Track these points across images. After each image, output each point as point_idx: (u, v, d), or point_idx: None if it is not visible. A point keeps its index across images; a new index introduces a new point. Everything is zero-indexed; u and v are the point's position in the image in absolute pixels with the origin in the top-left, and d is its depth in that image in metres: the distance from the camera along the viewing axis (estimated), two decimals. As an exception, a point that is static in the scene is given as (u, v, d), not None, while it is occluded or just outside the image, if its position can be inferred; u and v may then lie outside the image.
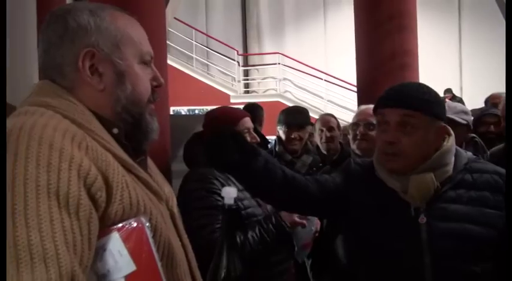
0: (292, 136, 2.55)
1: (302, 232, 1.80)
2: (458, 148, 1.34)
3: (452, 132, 1.31)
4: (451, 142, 1.29)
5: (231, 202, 0.91)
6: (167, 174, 2.14)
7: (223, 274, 0.85)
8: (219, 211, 1.62)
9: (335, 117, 2.96)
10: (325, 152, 2.79)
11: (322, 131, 2.83)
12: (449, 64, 9.47)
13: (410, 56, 3.35)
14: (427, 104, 1.26)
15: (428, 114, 1.25)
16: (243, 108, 3.12)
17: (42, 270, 0.63)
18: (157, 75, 0.90)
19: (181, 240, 0.90)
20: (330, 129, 2.82)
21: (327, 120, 2.87)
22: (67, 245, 0.66)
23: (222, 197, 0.97)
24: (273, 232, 1.68)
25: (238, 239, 1.64)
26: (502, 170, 1.27)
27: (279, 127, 2.66)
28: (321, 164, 2.60)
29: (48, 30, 0.84)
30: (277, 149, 2.63)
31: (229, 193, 0.91)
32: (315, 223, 1.84)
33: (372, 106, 2.17)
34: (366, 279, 1.38)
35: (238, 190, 1.73)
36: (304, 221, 1.76)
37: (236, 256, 0.87)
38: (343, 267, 2.03)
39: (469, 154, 1.34)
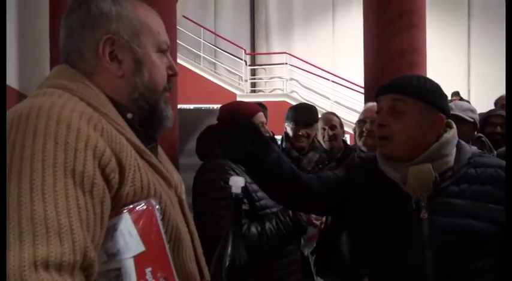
0: (300, 133, 2.55)
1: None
2: (462, 141, 1.33)
3: (454, 125, 1.32)
4: (452, 134, 1.28)
5: (238, 191, 0.90)
6: (175, 167, 2.14)
7: (227, 263, 0.85)
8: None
9: (337, 116, 2.98)
10: (328, 150, 2.81)
11: (324, 129, 2.85)
12: (457, 67, 9.42)
13: (419, 53, 3.34)
14: (420, 90, 1.26)
15: (422, 100, 1.25)
16: None
17: (57, 244, 0.65)
18: (173, 64, 0.92)
19: (188, 226, 0.92)
20: (333, 127, 2.84)
21: (329, 119, 2.90)
22: (81, 222, 0.68)
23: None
24: (290, 224, 1.71)
25: (255, 231, 1.67)
26: None
27: (286, 124, 2.67)
28: (326, 162, 2.61)
29: (71, 16, 0.86)
30: (284, 145, 2.64)
31: (237, 182, 0.91)
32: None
33: None
34: (368, 273, 1.38)
35: (252, 182, 1.76)
36: (318, 223, 1.78)
37: (241, 245, 0.87)
38: (348, 263, 2.04)
39: (474, 148, 1.35)
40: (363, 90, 4.02)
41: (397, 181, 1.27)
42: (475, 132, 2.41)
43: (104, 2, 0.85)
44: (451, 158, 1.27)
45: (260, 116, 1.86)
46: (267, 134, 1.82)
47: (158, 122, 0.90)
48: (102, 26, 0.84)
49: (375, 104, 2.14)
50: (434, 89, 1.28)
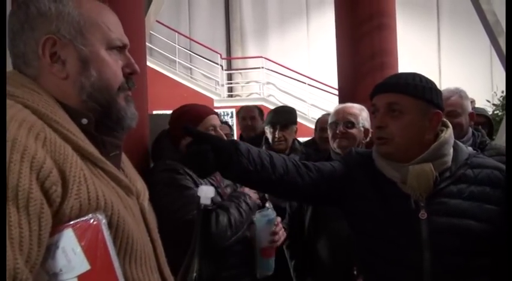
0: (277, 136, 2.64)
1: (260, 229, 1.72)
2: (458, 142, 1.34)
3: (450, 124, 1.31)
4: (449, 134, 1.29)
5: (208, 202, 0.86)
6: (147, 174, 2.10)
7: (194, 277, 0.81)
8: (189, 189, 1.62)
9: None
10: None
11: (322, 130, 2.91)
12: (428, 69, 9.59)
13: (390, 55, 3.38)
14: (416, 88, 1.25)
15: (419, 98, 1.24)
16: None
17: None
18: (131, 62, 0.87)
19: (150, 235, 0.87)
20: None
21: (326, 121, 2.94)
22: (11, 241, 0.62)
23: (197, 186, 0.94)
24: (249, 212, 1.71)
25: (226, 220, 1.62)
26: (502, 166, 1.27)
27: (265, 127, 2.76)
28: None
29: (12, 19, 0.82)
30: (264, 148, 2.66)
31: (207, 193, 0.86)
32: (273, 218, 1.75)
33: (348, 104, 2.19)
34: (365, 271, 1.37)
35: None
36: (277, 238, 1.76)
37: (208, 259, 0.84)
38: (326, 268, 2.03)
39: (470, 148, 1.34)
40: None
41: (396, 180, 1.26)
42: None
43: (43, 0, 0.81)
44: (449, 158, 1.27)
45: (211, 119, 1.79)
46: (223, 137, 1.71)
47: (115, 123, 0.85)
48: (42, 27, 0.80)
49: (345, 105, 2.15)
50: (430, 86, 1.27)
